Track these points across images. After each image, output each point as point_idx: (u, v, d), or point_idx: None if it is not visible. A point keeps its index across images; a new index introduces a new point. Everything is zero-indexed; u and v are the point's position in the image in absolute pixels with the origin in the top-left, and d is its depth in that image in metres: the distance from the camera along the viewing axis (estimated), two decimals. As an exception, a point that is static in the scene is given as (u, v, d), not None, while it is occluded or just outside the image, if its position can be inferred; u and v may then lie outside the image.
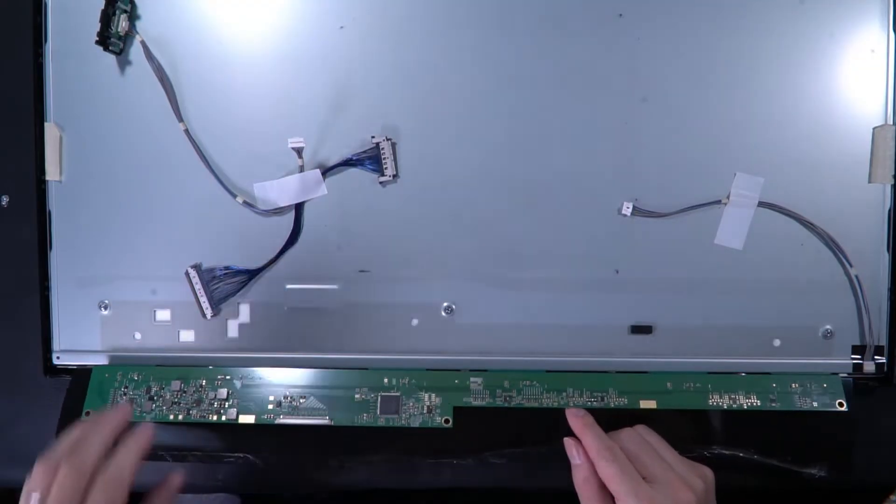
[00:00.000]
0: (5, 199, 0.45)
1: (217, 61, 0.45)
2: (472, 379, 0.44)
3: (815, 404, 0.44)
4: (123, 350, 0.46)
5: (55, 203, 0.45)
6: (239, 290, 0.45)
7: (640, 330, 0.46)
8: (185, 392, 0.44)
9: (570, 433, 0.41)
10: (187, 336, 0.46)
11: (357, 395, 0.44)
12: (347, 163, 0.45)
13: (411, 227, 0.45)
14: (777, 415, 0.44)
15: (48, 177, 0.45)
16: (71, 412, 0.44)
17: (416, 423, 0.43)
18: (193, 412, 0.43)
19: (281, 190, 0.45)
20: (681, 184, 0.45)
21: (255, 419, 0.43)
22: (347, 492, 0.45)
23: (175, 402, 0.44)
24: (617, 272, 0.46)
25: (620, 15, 0.45)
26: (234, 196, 0.45)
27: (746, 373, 0.45)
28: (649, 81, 0.45)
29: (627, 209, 0.45)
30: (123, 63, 0.45)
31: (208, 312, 0.45)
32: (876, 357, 0.45)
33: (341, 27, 0.45)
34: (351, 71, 0.45)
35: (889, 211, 0.45)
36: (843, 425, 0.44)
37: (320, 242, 0.45)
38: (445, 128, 0.45)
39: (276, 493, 0.47)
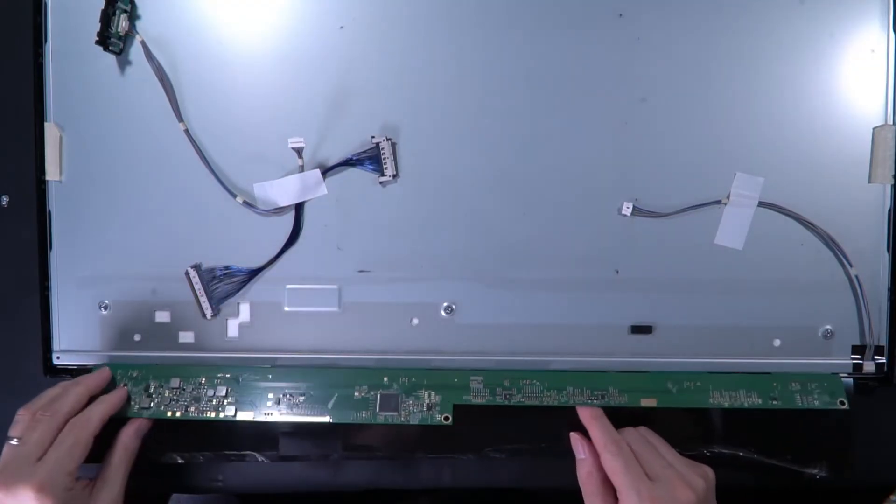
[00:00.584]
0: (5, 199, 0.45)
1: (217, 61, 0.45)
2: (472, 377, 0.44)
3: (816, 402, 0.44)
4: (123, 350, 0.46)
5: (55, 203, 0.45)
6: (239, 290, 0.45)
7: (640, 330, 0.46)
8: (183, 390, 0.44)
9: (576, 430, 0.41)
10: (186, 337, 0.46)
11: (357, 394, 0.44)
12: (347, 163, 0.45)
13: (411, 227, 0.45)
14: (777, 414, 0.44)
15: (48, 177, 0.45)
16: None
17: (415, 421, 0.43)
18: (192, 409, 0.43)
19: (281, 190, 0.45)
20: (681, 184, 0.45)
21: (254, 416, 0.43)
22: (347, 492, 0.45)
23: (174, 400, 0.44)
24: (617, 272, 0.46)
25: (620, 15, 0.45)
26: (234, 196, 0.45)
27: (746, 372, 0.45)
28: (649, 81, 0.45)
29: (627, 209, 0.45)
30: (123, 63, 0.45)
31: (208, 312, 0.45)
32: (876, 357, 0.45)
33: (341, 27, 0.45)
34: (351, 71, 0.45)
35: (889, 211, 0.45)
36: (844, 424, 0.44)
37: (320, 242, 0.45)
38: (445, 128, 0.45)
39: (276, 493, 0.47)
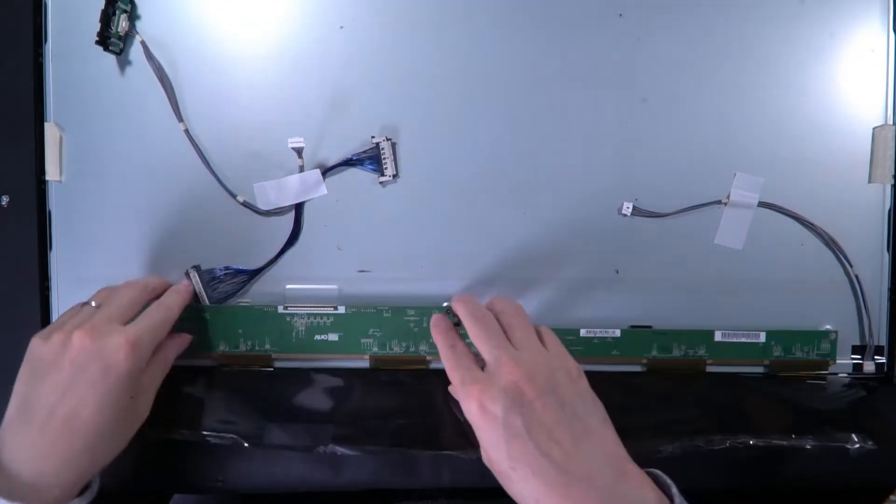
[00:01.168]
0: (5, 199, 0.45)
1: (217, 61, 0.45)
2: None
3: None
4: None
5: (55, 203, 0.45)
6: (239, 290, 0.45)
7: (640, 329, 0.46)
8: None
9: None
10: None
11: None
12: (347, 163, 0.45)
13: (411, 227, 0.45)
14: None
15: (48, 177, 0.45)
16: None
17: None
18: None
19: (281, 190, 0.45)
20: (681, 184, 0.45)
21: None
22: (347, 492, 0.45)
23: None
24: (617, 272, 0.46)
25: (620, 15, 0.45)
26: (234, 196, 0.45)
27: (745, 371, 0.45)
28: (649, 81, 0.45)
29: (627, 209, 0.45)
30: (123, 63, 0.45)
31: (208, 312, 0.45)
32: (876, 357, 0.46)
33: (341, 27, 0.45)
34: (351, 71, 0.45)
35: (889, 211, 0.45)
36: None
37: (320, 242, 0.45)
38: (445, 128, 0.45)
39: (276, 492, 0.47)
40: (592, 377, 0.45)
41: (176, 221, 0.45)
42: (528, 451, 0.34)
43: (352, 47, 0.45)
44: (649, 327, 0.45)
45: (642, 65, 0.45)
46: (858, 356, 0.46)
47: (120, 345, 0.37)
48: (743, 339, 0.45)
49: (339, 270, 0.46)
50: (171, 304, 0.41)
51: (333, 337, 0.45)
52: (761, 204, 0.45)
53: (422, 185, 0.45)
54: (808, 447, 0.43)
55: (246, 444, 0.43)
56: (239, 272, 0.45)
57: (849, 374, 0.46)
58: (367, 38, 0.45)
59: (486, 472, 0.37)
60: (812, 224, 0.45)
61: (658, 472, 0.36)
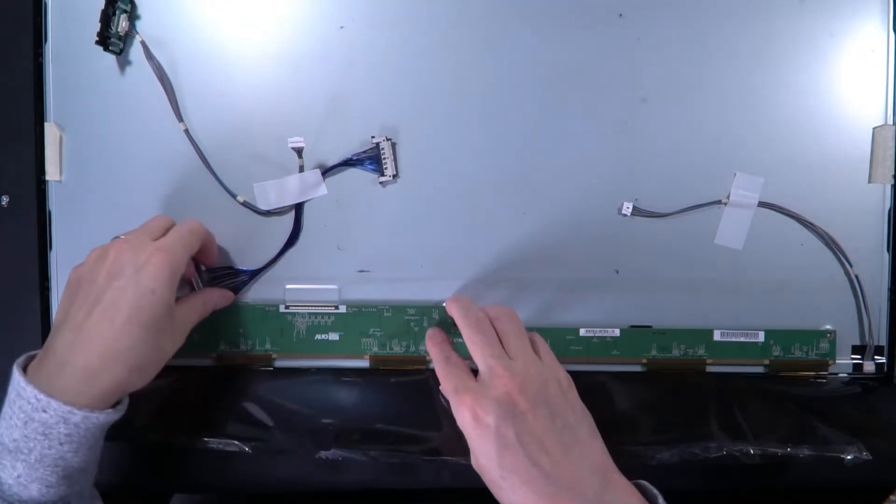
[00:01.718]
0: (5, 199, 0.45)
1: (217, 61, 0.45)
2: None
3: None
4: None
5: (55, 203, 0.45)
6: (239, 291, 0.45)
7: (640, 329, 0.46)
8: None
9: None
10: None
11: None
12: (347, 163, 0.45)
13: (411, 227, 0.45)
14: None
15: (48, 177, 0.45)
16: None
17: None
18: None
19: (281, 190, 0.45)
20: (681, 184, 0.45)
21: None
22: (347, 492, 0.45)
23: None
24: (617, 272, 0.46)
25: (620, 15, 0.45)
26: (234, 196, 0.45)
27: (744, 370, 0.45)
28: (649, 81, 0.45)
29: (627, 209, 0.45)
30: (123, 63, 0.45)
31: (208, 312, 0.45)
32: (876, 357, 0.46)
33: (341, 27, 0.45)
34: (351, 71, 0.45)
35: (889, 211, 0.45)
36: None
37: (320, 242, 0.45)
38: (445, 128, 0.45)
39: (276, 492, 0.47)
40: (592, 377, 0.45)
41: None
42: (518, 462, 0.34)
43: (352, 47, 0.45)
44: (649, 327, 0.45)
45: (642, 65, 0.45)
46: (858, 356, 0.46)
47: (153, 251, 0.38)
48: (742, 339, 0.45)
49: (339, 270, 0.46)
50: (195, 224, 0.42)
51: (334, 336, 0.45)
52: (761, 204, 0.45)
53: (422, 185, 0.45)
54: (804, 455, 0.43)
55: (248, 450, 0.44)
56: (239, 272, 0.45)
57: (849, 374, 0.46)
58: (367, 38, 0.45)
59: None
60: (812, 224, 0.45)
61: (644, 482, 0.37)
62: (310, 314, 0.45)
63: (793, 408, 0.45)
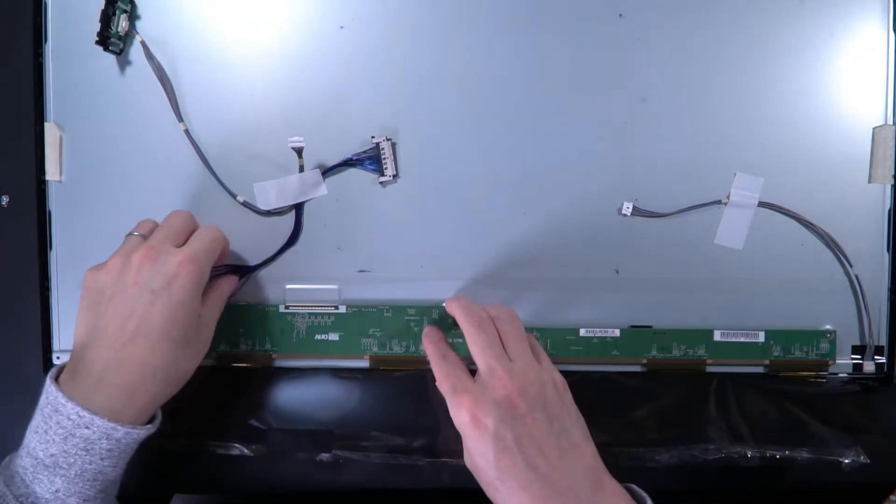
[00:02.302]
0: (5, 199, 0.45)
1: (217, 61, 0.45)
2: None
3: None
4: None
5: (55, 203, 0.45)
6: (239, 290, 0.45)
7: (640, 329, 0.46)
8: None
9: None
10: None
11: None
12: (347, 163, 0.45)
13: (411, 227, 0.45)
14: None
15: (48, 177, 0.45)
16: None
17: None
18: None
19: (281, 190, 0.45)
20: (681, 184, 0.45)
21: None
22: (347, 492, 0.45)
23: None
24: (617, 272, 0.46)
25: (620, 15, 0.45)
26: (234, 196, 0.45)
27: (744, 370, 0.45)
28: (649, 81, 0.45)
29: (627, 209, 0.45)
30: (123, 63, 0.45)
31: (208, 312, 0.45)
32: (876, 357, 0.46)
33: (341, 27, 0.45)
34: (351, 71, 0.45)
35: (889, 211, 0.45)
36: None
37: (320, 242, 0.45)
38: (445, 128, 0.45)
39: (276, 493, 0.47)
40: (592, 377, 0.45)
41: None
42: (516, 465, 0.35)
43: (352, 47, 0.45)
44: (649, 327, 0.45)
45: (642, 65, 0.45)
46: (858, 356, 0.46)
47: (180, 261, 0.37)
48: (742, 339, 0.45)
49: (339, 270, 0.46)
50: (218, 232, 0.41)
51: (334, 336, 0.45)
52: (761, 204, 0.45)
53: (422, 185, 0.45)
54: (802, 458, 0.43)
55: (248, 453, 0.44)
56: (238, 269, 0.45)
57: (849, 374, 0.46)
58: (367, 38, 0.45)
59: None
60: (812, 224, 0.45)
61: (633, 486, 0.37)
62: (310, 314, 0.45)
63: (792, 409, 0.45)
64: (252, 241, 0.45)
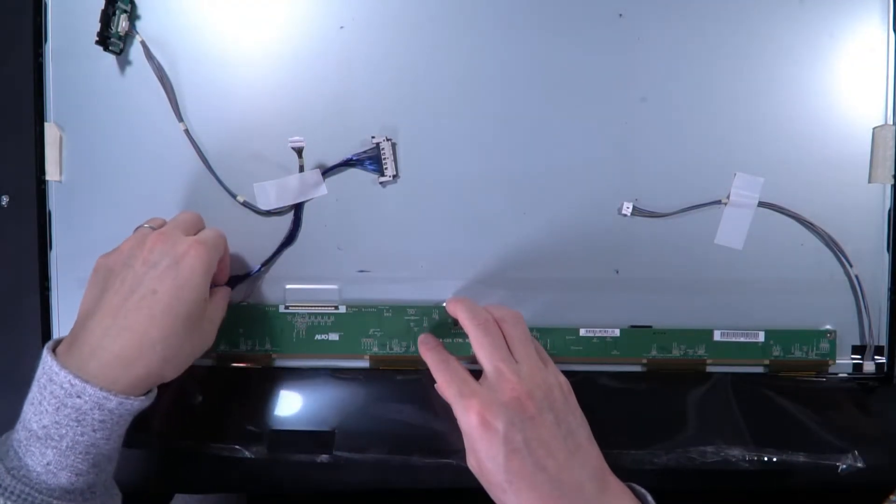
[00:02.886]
0: (5, 199, 0.45)
1: (217, 61, 0.45)
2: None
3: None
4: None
5: (55, 203, 0.45)
6: (235, 287, 0.45)
7: (640, 330, 0.46)
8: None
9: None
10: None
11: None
12: (347, 163, 0.45)
13: (411, 227, 0.45)
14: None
15: (48, 177, 0.45)
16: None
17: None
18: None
19: (281, 190, 0.45)
20: (681, 184, 0.45)
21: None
22: (347, 492, 0.45)
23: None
24: (617, 272, 0.46)
25: (620, 15, 0.45)
26: (234, 196, 0.45)
27: (744, 370, 0.45)
28: (649, 81, 0.45)
29: (627, 209, 0.45)
30: (123, 63, 0.45)
31: (208, 312, 0.45)
32: (876, 357, 0.46)
33: (341, 27, 0.45)
34: (351, 71, 0.45)
35: (889, 211, 0.45)
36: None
37: (320, 242, 0.45)
38: (445, 128, 0.45)
39: (277, 492, 0.47)
40: (592, 377, 0.45)
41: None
42: (525, 466, 0.35)
43: (352, 47, 0.45)
44: (649, 327, 0.45)
45: (642, 65, 0.45)
46: (858, 356, 0.46)
47: (190, 243, 0.38)
48: (742, 339, 0.45)
49: (339, 270, 0.46)
50: (222, 233, 0.41)
51: (334, 336, 0.45)
52: (761, 204, 0.45)
53: (422, 185, 0.45)
54: (800, 462, 0.43)
55: (248, 454, 0.44)
56: (239, 272, 0.45)
57: (849, 374, 0.46)
58: (367, 38, 0.45)
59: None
60: (812, 224, 0.45)
61: (634, 485, 0.38)
62: (310, 314, 0.45)
63: (792, 410, 0.45)
64: (252, 241, 0.45)
